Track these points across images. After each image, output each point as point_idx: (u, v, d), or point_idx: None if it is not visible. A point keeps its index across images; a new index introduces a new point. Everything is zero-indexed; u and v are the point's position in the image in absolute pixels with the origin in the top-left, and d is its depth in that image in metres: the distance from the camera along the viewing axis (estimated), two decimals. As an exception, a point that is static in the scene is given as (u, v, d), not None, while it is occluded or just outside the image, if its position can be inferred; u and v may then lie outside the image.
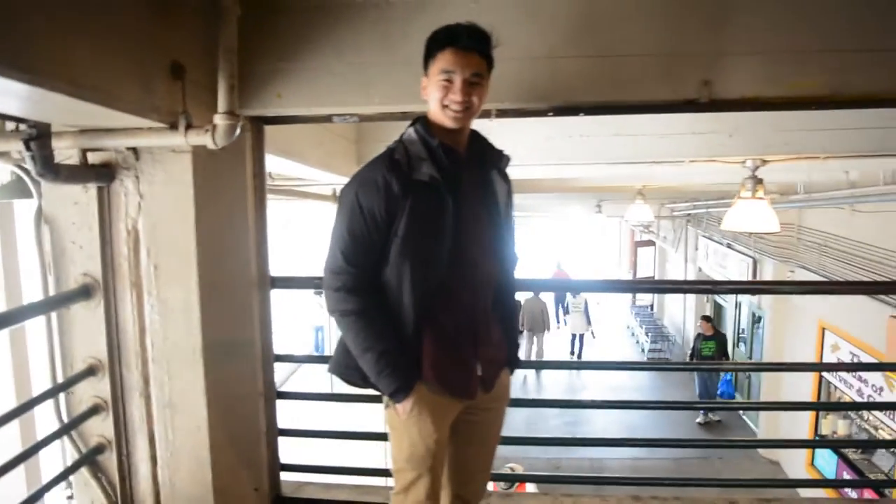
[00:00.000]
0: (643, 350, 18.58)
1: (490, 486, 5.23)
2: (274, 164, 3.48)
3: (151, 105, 2.12)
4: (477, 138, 2.18)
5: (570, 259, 24.43)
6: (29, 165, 2.24)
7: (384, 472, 3.01)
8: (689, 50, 2.43)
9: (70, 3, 1.74)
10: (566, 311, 19.72)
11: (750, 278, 11.85)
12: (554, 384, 15.71)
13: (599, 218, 18.11)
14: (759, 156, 5.06)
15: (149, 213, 2.50)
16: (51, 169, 2.26)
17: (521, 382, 15.15)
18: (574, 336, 17.91)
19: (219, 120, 2.28)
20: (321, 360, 3.04)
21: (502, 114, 2.52)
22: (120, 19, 1.98)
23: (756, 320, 13.02)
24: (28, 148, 2.19)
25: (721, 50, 2.41)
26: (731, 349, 13.55)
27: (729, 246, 13.61)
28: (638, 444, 3.31)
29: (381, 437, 2.64)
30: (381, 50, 2.48)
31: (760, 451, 11.20)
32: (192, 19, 2.32)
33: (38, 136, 2.19)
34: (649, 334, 19.00)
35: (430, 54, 2.01)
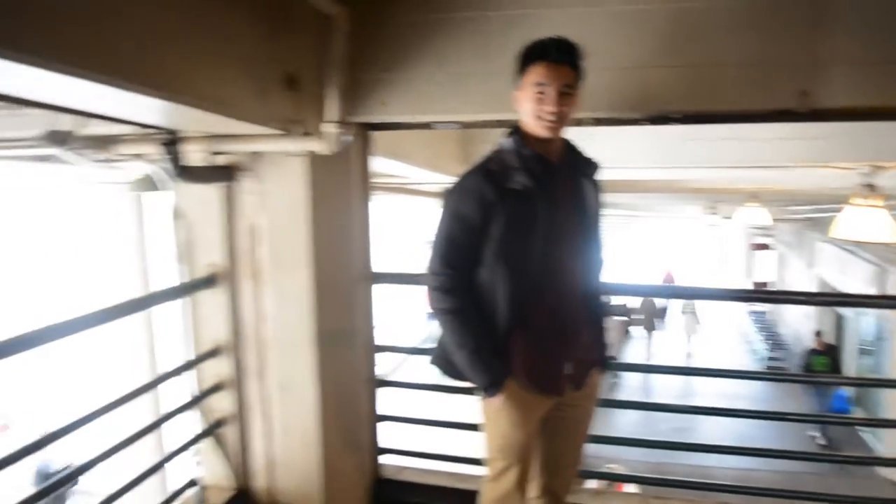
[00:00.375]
0: (760, 359, 17.91)
1: (593, 484, 5.30)
2: (383, 165, 3.70)
3: (269, 114, 2.37)
4: (569, 146, 2.27)
5: (680, 261, 23.73)
6: (165, 166, 2.55)
7: (477, 461, 3.16)
8: (785, 60, 2.44)
9: (198, 31, 1.99)
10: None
11: (875, 289, 11.24)
12: (664, 388, 15.41)
13: (714, 219, 17.60)
14: (871, 162, 4.89)
15: (267, 211, 2.76)
16: (183, 170, 2.55)
17: (628, 383, 14.93)
18: (687, 337, 17.52)
19: (329, 127, 2.51)
20: (421, 351, 3.22)
21: (597, 122, 2.62)
22: (241, 40, 2.23)
23: (882, 332, 12.34)
24: (164, 151, 2.49)
25: (819, 60, 2.40)
26: (851, 362, 12.87)
27: (852, 252, 12.94)
28: (738, 452, 3.27)
29: (476, 427, 2.79)
30: (480, 60, 2.64)
31: (883, 471, 10.60)
32: (304, 35, 2.55)
33: (173, 142, 2.48)
34: (768, 342, 18.29)
35: (522, 67, 2.12)
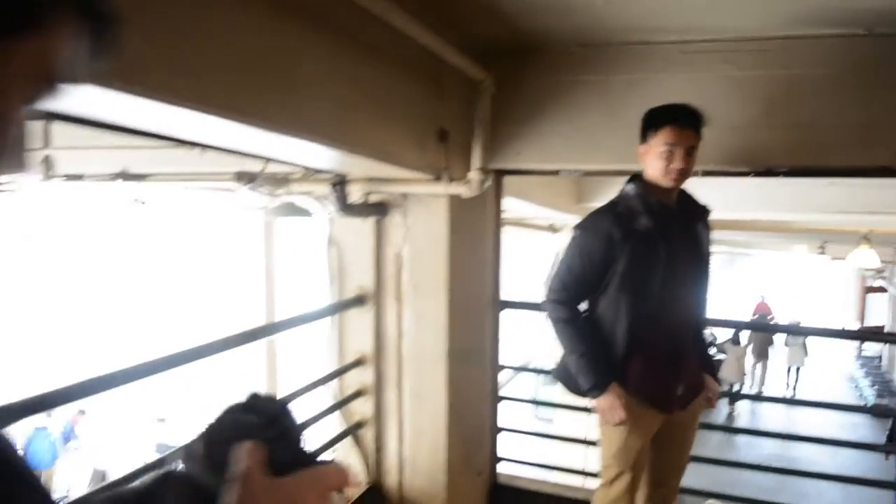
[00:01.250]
0: (865, 403, 17.19)
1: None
2: (508, 204, 4.10)
3: (424, 163, 2.81)
4: (683, 193, 2.61)
5: (786, 299, 23.04)
6: (331, 202, 3.02)
7: (584, 473, 3.49)
8: (884, 122, 2.72)
9: (375, 98, 2.44)
10: (786, 343, 18.69)
11: None
12: (769, 420, 14.93)
13: (823, 260, 17.14)
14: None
15: (411, 243, 3.20)
16: (346, 206, 3.02)
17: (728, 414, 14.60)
18: (790, 368, 17.04)
19: (473, 175, 2.94)
20: (540, 371, 3.58)
21: (708, 174, 2.94)
22: (406, 103, 2.68)
23: None
24: (333, 191, 2.97)
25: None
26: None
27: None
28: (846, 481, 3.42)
29: (585, 441, 3.12)
30: (603, 117, 3.02)
31: None
32: (455, 95, 2.99)
33: (340, 183, 2.96)
34: (875, 387, 17.57)
35: (652, 127, 2.46)
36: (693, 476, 3.01)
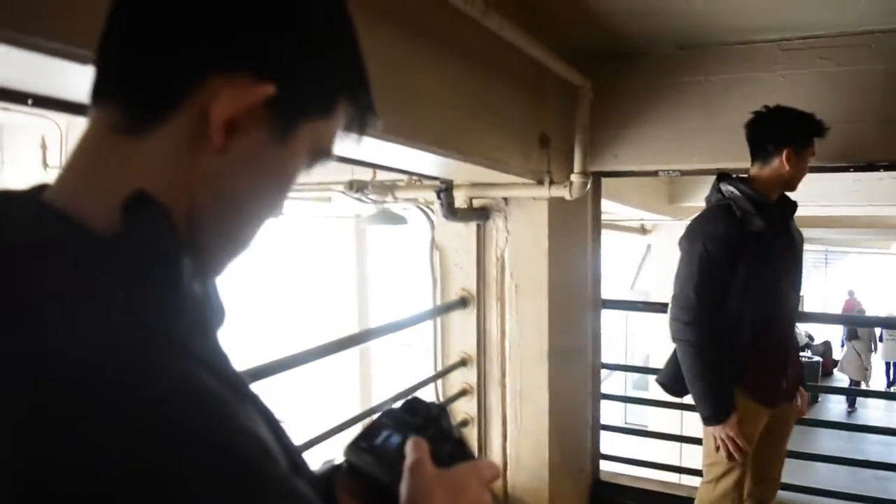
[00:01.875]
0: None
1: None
2: (604, 205, 4.17)
3: (528, 168, 2.91)
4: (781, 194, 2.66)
5: (879, 295, 22.08)
6: (437, 208, 3.16)
7: (684, 470, 3.52)
8: None
9: (486, 107, 2.56)
10: (880, 339, 18.01)
11: None
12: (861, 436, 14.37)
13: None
14: None
15: (513, 245, 3.30)
16: (452, 211, 3.14)
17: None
18: (888, 364, 16.40)
19: (575, 178, 3.02)
20: (643, 370, 3.62)
21: (810, 170, 2.94)
22: (511, 110, 2.79)
23: None
24: (439, 197, 3.10)
25: None
26: None
27: None
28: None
29: (685, 439, 3.14)
30: (702, 118, 3.05)
31: None
32: (555, 101, 3.08)
33: (447, 189, 3.09)
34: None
35: (810, 138, 2.52)
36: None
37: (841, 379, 15.41)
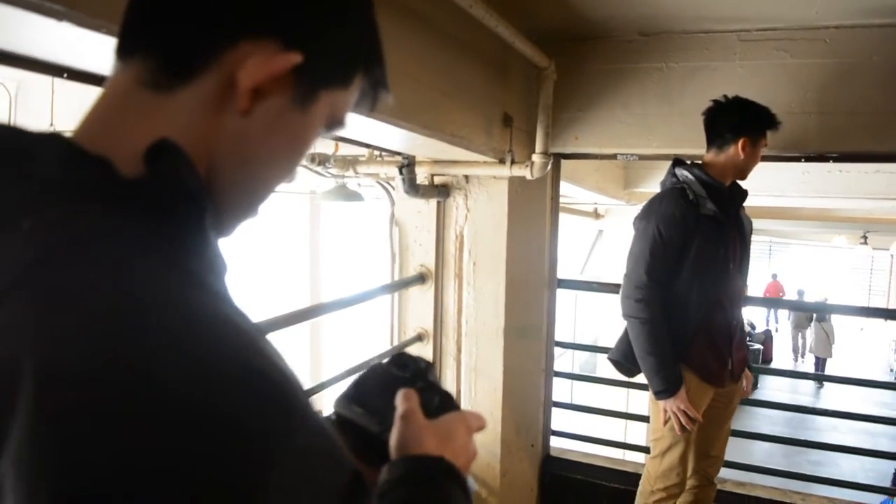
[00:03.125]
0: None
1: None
2: (561, 187, 4.23)
3: (490, 146, 2.94)
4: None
5: (823, 288, 22.82)
6: (398, 184, 3.17)
7: (627, 446, 3.62)
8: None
9: (454, 85, 2.58)
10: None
11: None
12: (801, 420, 14.90)
13: (865, 250, 17.04)
14: None
15: (472, 223, 3.34)
16: (413, 187, 3.16)
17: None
18: (817, 360, 17.16)
19: (536, 158, 3.07)
20: (595, 349, 3.70)
21: (763, 159, 3.04)
22: (476, 88, 2.81)
23: None
24: (400, 172, 3.11)
25: None
26: None
27: None
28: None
29: (631, 416, 3.23)
30: (661, 104, 3.13)
31: None
32: (518, 81, 3.12)
33: (409, 165, 3.10)
34: (915, 378, 17.34)
35: (761, 129, 2.63)
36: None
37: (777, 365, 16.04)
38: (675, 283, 2.60)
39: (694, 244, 2.55)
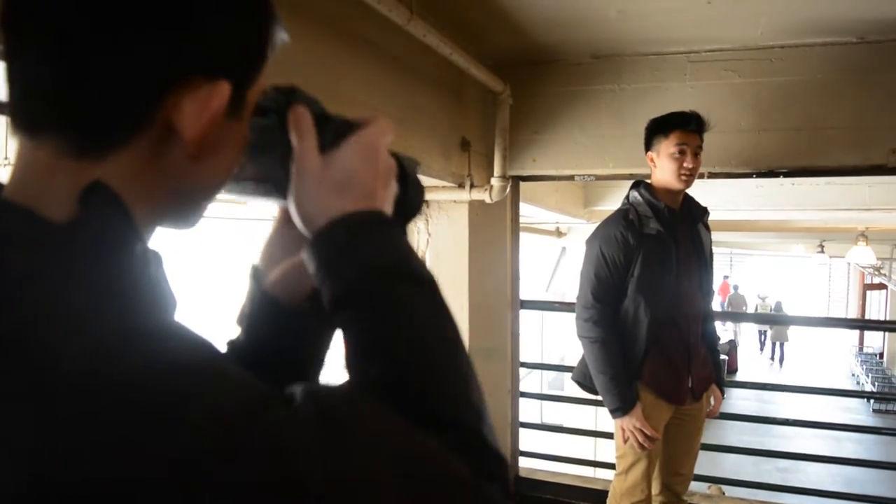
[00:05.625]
0: (868, 401, 17.19)
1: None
2: (521, 208, 4.27)
3: (449, 171, 2.97)
4: (686, 197, 2.77)
5: (788, 297, 23.27)
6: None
7: (597, 464, 3.63)
8: (877, 123, 2.90)
9: (412, 110, 2.61)
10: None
11: None
12: (768, 427, 15.01)
13: (822, 258, 17.37)
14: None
15: (434, 248, 3.35)
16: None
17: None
18: (774, 343, 17.97)
19: (495, 182, 3.10)
20: (559, 368, 3.72)
21: (713, 176, 3.12)
22: (434, 114, 2.84)
23: None
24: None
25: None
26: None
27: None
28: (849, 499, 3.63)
29: (599, 434, 3.24)
30: (615, 124, 3.18)
31: None
32: (475, 106, 3.16)
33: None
34: (876, 384, 17.61)
35: (661, 133, 2.61)
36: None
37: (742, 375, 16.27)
38: (624, 302, 2.63)
39: (637, 264, 2.59)
